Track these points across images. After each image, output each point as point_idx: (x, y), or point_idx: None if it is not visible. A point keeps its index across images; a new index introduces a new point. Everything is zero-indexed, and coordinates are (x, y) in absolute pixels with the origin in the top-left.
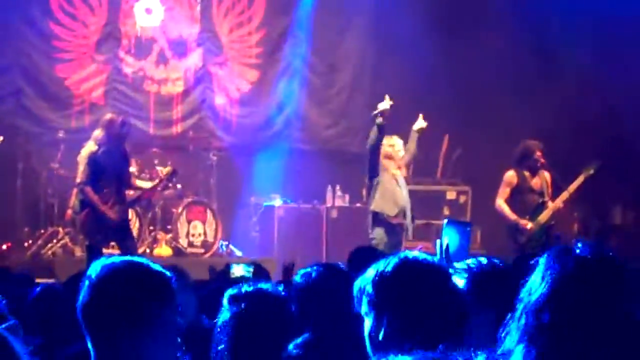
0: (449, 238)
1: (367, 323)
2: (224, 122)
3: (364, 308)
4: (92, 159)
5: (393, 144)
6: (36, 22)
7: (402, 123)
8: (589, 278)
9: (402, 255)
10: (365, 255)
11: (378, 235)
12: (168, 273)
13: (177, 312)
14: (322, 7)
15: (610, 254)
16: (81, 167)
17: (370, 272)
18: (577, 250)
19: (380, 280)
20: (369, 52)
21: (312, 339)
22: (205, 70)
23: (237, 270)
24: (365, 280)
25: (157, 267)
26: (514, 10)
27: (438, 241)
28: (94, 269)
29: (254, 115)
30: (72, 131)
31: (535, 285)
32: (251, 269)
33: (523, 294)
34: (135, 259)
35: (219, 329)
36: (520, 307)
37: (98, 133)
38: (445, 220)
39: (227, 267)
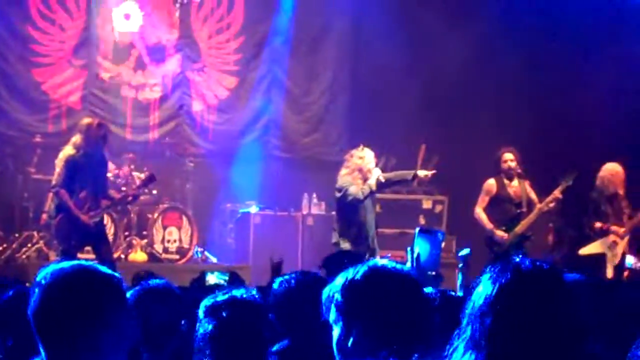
0: (420, 247)
1: (336, 331)
2: (201, 129)
3: (332, 316)
4: (69, 163)
5: (363, 156)
6: (14, 26)
7: (378, 132)
8: (527, 284)
9: (371, 263)
10: (339, 260)
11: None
12: (117, 275)
13: (129, 316)
14: (300, 15)
15: (546, 265)
16: (57, 170)
17: (339, 280)
18: (517, 261)
19: (349, 288)
20: (347, 61)
21: (289, 345)
22: (183, 76)
23: (212, 279)
24: (334, 288)
25: (106, 270)
26: (497, 18)
27: (409, 249)
28: (43, 274)
29: (231, 122)
30: (49, 135)
31: (479, 294)
32: (226, 277)
33: (468, 306)
34: (84, 263)
35: (200, 341)
36: (465, 320)
37: (76, 138)
38: (417, 229)
39: (202, 275)
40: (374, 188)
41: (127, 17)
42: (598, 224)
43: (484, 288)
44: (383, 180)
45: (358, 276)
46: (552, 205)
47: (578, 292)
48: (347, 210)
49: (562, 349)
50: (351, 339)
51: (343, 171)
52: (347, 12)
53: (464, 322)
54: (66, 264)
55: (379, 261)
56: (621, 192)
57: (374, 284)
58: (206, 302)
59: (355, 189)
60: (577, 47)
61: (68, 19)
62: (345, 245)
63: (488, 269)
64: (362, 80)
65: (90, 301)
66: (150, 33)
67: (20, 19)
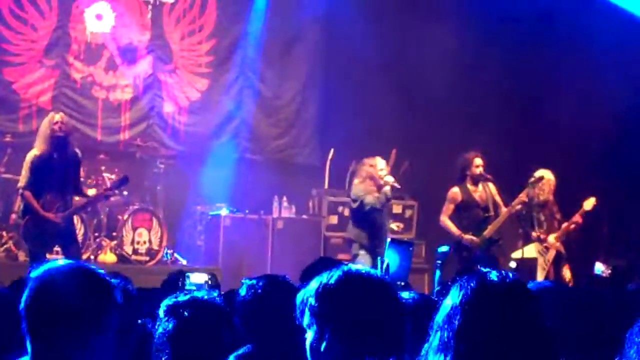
0: (390, 258)
1: (309, 335)
2: (172, 130)
3: (306, 320)
4: (33, 163)
5: (374, 164)
6: None
7: (349, 136)
8: (492, 290)
9: (345, 268)
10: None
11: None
12: (112, 279)
13: (121, 322)
14: (273, 18)
15: (511, 274)
16: (23, 172)
17: (314, 284)
18: (483, 270)
19: (324, 292)
20: (319, 64)
21: (253, 351)
22: (154, 77)
23: (197, 277)
24: (308, 292)
25: (102, 273)
26: (469, 17)
27: (379, 259)
28: (38, 272)
29: (202, 124)
30: (19, 135)
31: (447, 303)
32: (207, 278)
33: (438, 314)
34: (82, 264)
35: (159, 339)
36: (434, 327)
37: (38, 138)
38: (389, 240)
39: (182, 275)
40: (389, 195)
41: (99, 17)
42: (535, 234)
43: (452, 296)
44: (398, 186)
45: (332, 280)
46: (518, 207)
47: (548, 299)
48: (365, 220)
49: (528, 352)
50: (324, 343)
51: (356, 180)
52: (319, 15)
53: (433, 329)
54: (64, 262)
55: (353, 266)
56: (552, 198)
57: (348, 288)
58: (167, 301)
59: (372, 199)
60: (549, 50)
61: (40, 19)
62: (366, 258)
63: (457, 281)
64: (334, 84)
65: (83, 302)
66: (122, 34)
67: None
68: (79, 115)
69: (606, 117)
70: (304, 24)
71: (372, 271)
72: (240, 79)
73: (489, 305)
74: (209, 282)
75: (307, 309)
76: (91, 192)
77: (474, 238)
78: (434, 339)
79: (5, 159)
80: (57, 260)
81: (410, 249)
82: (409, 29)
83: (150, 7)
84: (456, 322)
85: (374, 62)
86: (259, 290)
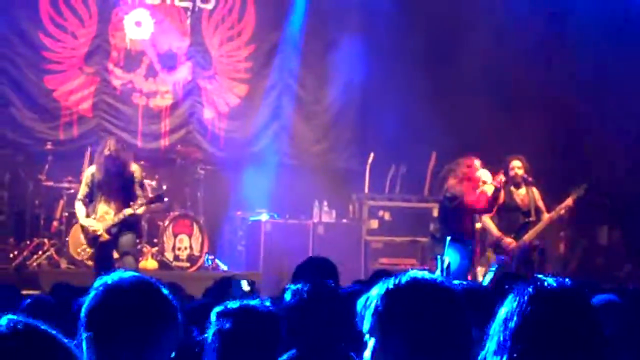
0: (451, 256)
1: (371, 342)
2: (212, 136)
3: (369, 326)
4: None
5: (472, 165)
6: (26, 33)
7: (388, 140)
8: (547, 296)
9: (412, 273)
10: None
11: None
12: (175, 301)
13: (176, 339)
14: (311, 23)
15: (568, 281)
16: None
17: (378, 289)
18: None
19: (392, 295)
20: (358, 68)
21: (297, 355)
22: (194, 83)
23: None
24: (372, 297)
25: (165, 290)
26: (513, 21)
27: (439, 258)
28: (110, 277)
29: (242, 130)
30: (60, 143)
31: (503, 309)
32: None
33: (495, 320)
34: (145, 277)
35: (210, 346)
36: (492, 330)
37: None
38: (449, 238)
39: (227, 281)
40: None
41: (138, 24)
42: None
43: (509, 301)
44: (499, 186)
45: (401, 284)
46: (562, 213)
47: (609, 311)
48: (461, 219)
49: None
50: (388, 351)
51: (452, 181)
52: (357, 19)
53: (490, 334)
54: (127, 274)
55: (418, 272)
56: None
57: (417, 293)
58: (218, 308)
59: (472, 198)
60: (597, 53)
61: (79, 26)
62: (453, 256)
63: (516, 286)
64: (373, 88)
65: (141, 315)
66: (161, 40)
67: (31, 25)
68: (119, 122)
69: None
70: (343, 28)
71: (439, 278)
72: (279, 84)
73: (545, 310)
74: (249, 288)
75: (370, 314)
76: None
77: (513, 241)
78: (491, 343)
79: (46, 167)
80: (128, 270)
81: (470, 247)
82: (449, 32)
83: (189, 13)
84: (513, 325)
85: (414, 65)
86: (304, 296)
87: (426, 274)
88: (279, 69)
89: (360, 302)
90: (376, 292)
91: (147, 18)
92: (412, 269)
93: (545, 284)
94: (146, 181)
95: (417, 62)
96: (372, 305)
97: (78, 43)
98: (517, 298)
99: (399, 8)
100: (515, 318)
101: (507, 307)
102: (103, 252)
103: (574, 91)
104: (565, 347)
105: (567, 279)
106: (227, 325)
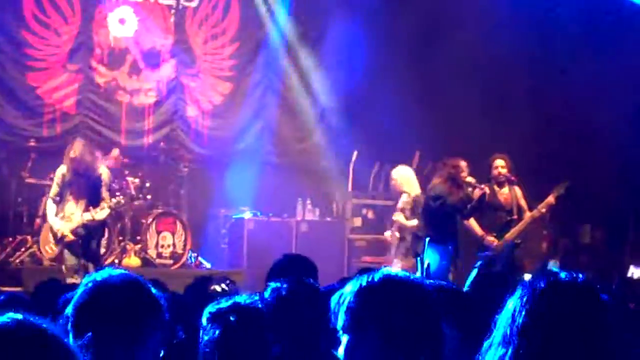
0: (430, 258)
1: (345, 339)
2: (195, 134)
3: (343, 322)
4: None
5: (457, 165)
6: (9, 30)
7: (372, 138)
8: (559, 291)
9: (385, 271)
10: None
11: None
12: (162, 298)
13: (164, 338)
14: (295, 21)
15: (581, 275)
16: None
17: (352, 286)
18: (553, 271)
19: (365, 292)
20: (342, 67)
21: (279, 352)
22: (177, 81)
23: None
24: (346, 295)
25: (153, 289)
26: (498, 20)
27: (418, 259)
28: (99, 274)
29: (225, 128)
30: (43, 140)
31: (511, 303)
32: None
33: (502, 313)
34: (133, 275)
35: (206, 347)
36: (497, 323)
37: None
38: (427, 239)
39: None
40: (472, 196)
41: (122, 22)
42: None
43: (517, 294)
44: (482, 187)
45: (374, 281)
46: (544, 211)
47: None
48: (444, 219)
49: (587, 353)
50: (363, 347)
51: (436, 180)
52: (342, 18)
53: (496, 326)
54: (115, 271)
55: (392, 270)
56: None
57: (389, 290)
58: (210, 309)
59: (456, 199)
60: (580, 50)
61: (63, 24)
62: (434, 257)
63: (523, 283)
64: (357, 86)
65: (130, 312)
66: (145, 38)
67: (14, 23)
68: (103, 120)
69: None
70: (327, 27)
71: (412, 275)
72: (263, 82)
73: (555, 304)
74: (227, 289)
75: (343, 311)
76: (86, 217)
77: (496, 240)
78: (497, 335)
79: (29, 164)
80: (112, 269)
81: (450, 247)
82: (435, 32)
83: (173, 11)
84: (520, 319)
85: (398, 63)
86: (284, 293)
87: (399, 272)
88: (263, 67)
89: (334, 300)
90: (349, 289)
91: (131, 16)
92: (385, 267)
93: (558, 278)
94: (129, 178)
95: (402, 61)
96: (346, 303)
97: (61, 40)
98: (527, 292)
99: (385, 7)
100: (524, 312)
101: (516, 301)
102: (75, 250)
103: (560, 91)
104: (577, 341)
105: (579, 274)
106: (223, 324)
